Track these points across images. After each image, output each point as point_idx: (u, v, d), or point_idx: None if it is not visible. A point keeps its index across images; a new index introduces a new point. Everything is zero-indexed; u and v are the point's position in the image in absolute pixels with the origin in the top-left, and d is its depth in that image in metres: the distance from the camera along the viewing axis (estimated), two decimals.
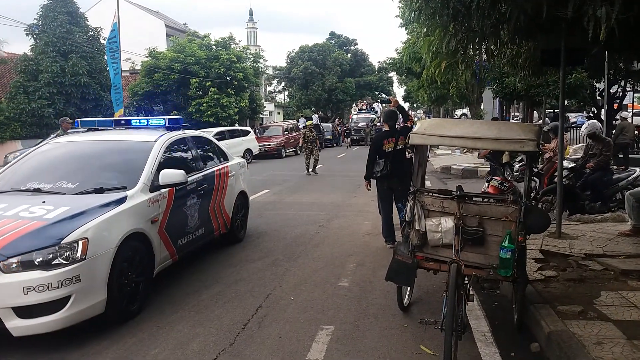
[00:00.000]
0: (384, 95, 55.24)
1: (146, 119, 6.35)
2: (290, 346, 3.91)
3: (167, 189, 5.23)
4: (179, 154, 6.08)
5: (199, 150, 6.53)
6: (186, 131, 6.52)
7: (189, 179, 5.64)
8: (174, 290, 5.28)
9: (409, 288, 4.63)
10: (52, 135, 12.41)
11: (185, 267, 6.00)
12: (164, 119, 6.35)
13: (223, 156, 7.26)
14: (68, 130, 11.93)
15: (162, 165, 5.34)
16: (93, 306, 4.04)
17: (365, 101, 48.57)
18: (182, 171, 5.26)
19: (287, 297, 5.02)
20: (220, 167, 6.85)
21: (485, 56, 6.02)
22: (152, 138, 5.69)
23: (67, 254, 3.90)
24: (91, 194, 4.77)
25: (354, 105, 51.28)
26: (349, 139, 34.34)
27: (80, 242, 3.97)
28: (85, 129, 6.41)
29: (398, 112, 6.84)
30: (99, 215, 4.29)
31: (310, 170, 17.11)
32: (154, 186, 5.09)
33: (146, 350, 3.88)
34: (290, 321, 4.40)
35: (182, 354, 3.81)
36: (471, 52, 5.39)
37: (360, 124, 36.60)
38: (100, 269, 4.08)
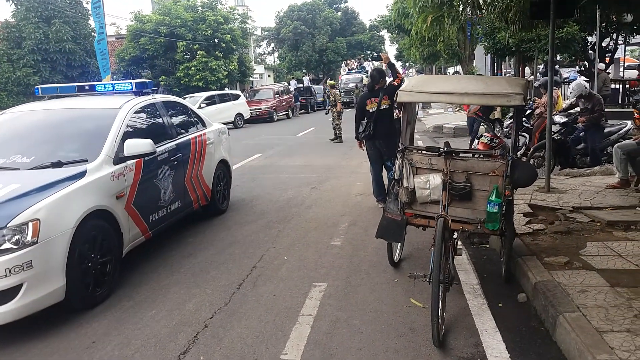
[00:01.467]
0: (381, 50, 54.00)
1: (112, 84, 5.85)
2: (284, 303, 4.01)
3: (133, 161, 4.77)
4: (147, 121, 5.59)
5: (171, 117, 6.02)
6: (156, 96, 6.00)
7: (160, 148, 5.26)
8: (170, 254, 5.35)
9: (399, 245, 4.71)
10: None
11: (180, 232, 6.06)
12: (131, 82, 5.75)
13: (200, 122, 6.75)
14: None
15: (128, 135, 4.87)
16: (50, 294, 3.68)
17: (355, 60, 47.19)
18: (150, 140, 4.80)
19: (281, 257, 5.11)
20: (196, 134, 6.34)
21: (472, 10, 5.93)
22: (116, 105, 5.19)
23: (16, 237, 3.51)
24: (48, 168, 4.29)
25: (343, 65, 49.91)
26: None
27: (30, 224, 3.56)
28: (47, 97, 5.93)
29: (385, 71, 6.73)
30: (54, 192, 3.87)
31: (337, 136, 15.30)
32: (119, 158, 4.63)
33: (143, 312, 3.97)
34: (284, 280, 4.49)
35: (179, 314, 3.90)
36: (460, 6, 5.31)
37: (350, 84, 34.21)
38: (56, 253, 3.69)
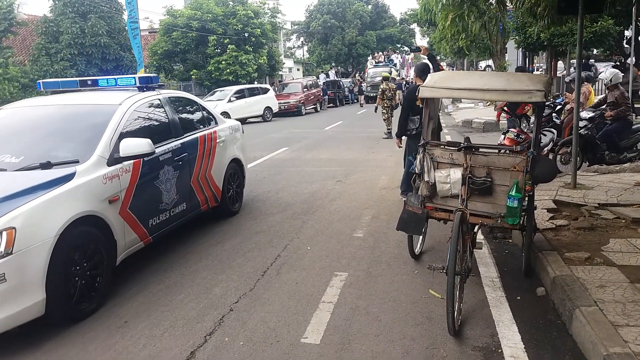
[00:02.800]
0: (412, 44, 53.10)
1: (115, 79, 5.46)
2: (306, 290, 4.15)
3: (131, 162, 4.45)
4: (150, 118, 5.21)
5: (178, 114, 5.66)
6: (162, 91, 5.64)
7: (163, 147, 5.00)
8: (198, 241, 5.56)
9: (420, 237, 4.80)
10: None
11: (208, 221, 6.27)
12: (134, 77, 5.42)
13: (210, 119, 6.38)
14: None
15: (126, 133, 4.58)
16: (26, 310, 3.36)
17: (382, 53, 46.16)
18: (148, 140, 4.45)
19: (304, 247, 5.25)
20: (205, 132, 6.00)
21: (497, 7, 5.92)
22: (116, 101, 4.86)
23: None
24: (36, 170, 3.98)
25: (369, 58, 48.44)
26: (362, 96, 31.78)
27: (4, 233, 3.25)
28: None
29: (430, 64, 6.59)
30: (35, 197, 3.54)
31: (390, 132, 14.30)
32: (114, 159, 4.31)
33: (172, 296, 4.18)
34: (307, 269, 4.64)
35: (206, 298, 4.09)
36: (482, 4, 5.31)
37: (377, 78, 30.83)
38: (34, 265, 3.37)
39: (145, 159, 4.64)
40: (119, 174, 4.33)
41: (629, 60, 12.72)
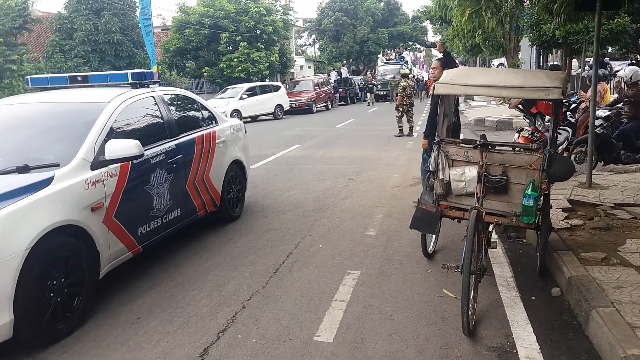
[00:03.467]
0: (426, 40, 52.36)
1: (106, 74, 5.18)
2: (318, 288, 4.14)
3: (117, 165, 4.09)
4: (142, 118, 4.86)
5: (173, 112, 5.33)
6: (157, 88, 5.31)
7: (155, 149, 4.65)
8: (211, 238, 5.57)
9: (433, 236, 4.77)
10: None
11: (220, 219, 6.28)
12: (126, 73, 5.07)
13: (209, 118, 6.04)
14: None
15: (114, 134, 4.23)
16: None
17: (394, 50, 44.98)
18: (136, 141, 4.10)
19: (316, 245, 5.24)
20: (203, 132, 5.65)
21: (514, 3, 5.86)
22: (105, 99, 4.50)
23: None
24: (12, 174, 3.63)
25: (380, 55, 46.41)
26: (371, 95, 30.95)
27: None
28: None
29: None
30: (4, 206, 3.20)
31: (408, 130, 14.23)
32: (99, 162, 3.96)
33: (186, 292, 4.19)
34: (319, 266, 4.63)
35: (219, 294, 4.10)
36: (498, 0, 5.26)
37: (388, 76, 31.84)
38: (0, 283, 3.05)
39: (135, 161, 4.28)
40: (103, 178, 3.95)
41: None
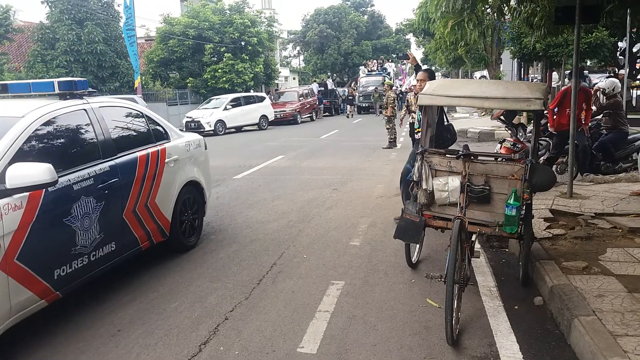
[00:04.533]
0: (401, 51, 52.43)
1: (29, 83, 4.41)
2: (302, 299, 4.11)
3: (25, 194, 3.37)
4: (67, 135, 4.12)
5: (111, 128, 4.56)
6: (91, 99, 4.52)
7: (80, 173, 3.91)
8: (192, 250, 5.50)
9: (417, 246, 4.77)
10: None
11: (203, 229, 6.22)
12: (53, 82, 4.28)
13: (158, 134, 5.29)
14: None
15: (26, 155, 3.54)
16: None
17: (375, 60, 42.54)
18: (48, 165, 3.40)
19: (301, 255, 5.21)
20: (149, 150, 4.92)
21: (495, 15, 5.96)
22: (19, 112, 3.81)
23: None
24: None
25: (361, 67, 44.92)
26: (351, 107, 30.55)
27: None
28: None
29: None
30: None
31: (395, 140, 14.28)
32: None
33: (167, 304, 4.12)
34: (303, 277, 4.60)
35: (201, 306, 4.04)
36: (480, 12, 5.35)
37: (370, 87, 31.18)
38: None
39: (50, 189, 3.55)
40: (1, 212, 3.22)
41: (622, 71, 12.84)
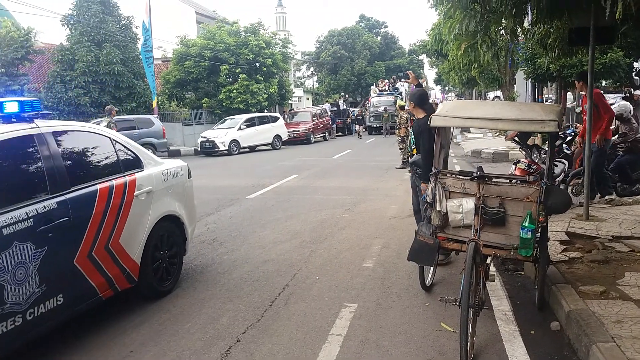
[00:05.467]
0: (401, 70, 51.74)
1: None
2: (314, 322, 4.07)
3: None
4: (5, 165, 3.49)
5: (66, 156, 3.97)
6: (43, 123, 3.87)
7: (15, 213, 3.29)
8: (206, 270, 5.51)
9: (431, 268, 4.72)
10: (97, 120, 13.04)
11: (216, 248, 6.24)
12: (18, 101, 3.70)
13: (128, 162, 4.62)
14: (114, 117, 12.58)
15: None
16: None
17: (387, 80, 41.35)
18: None
19: (313, 276, 5.18)
20: (113, 181, 4.24)
21: (509, 37, 5.97)
22: None
23: None
24: None
25: (373, 86, 44.04)
26: (360, 127, 30.20)
27: None
28: None
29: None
30: None
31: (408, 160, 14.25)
32: None
33: (179, 325, 4.11)
34: (316, 299, 4.56)
35: (213, 328, 4.03)
36: (494, 34, 5.37)
37: (380, 108, 30.76)
38: None
39: None
40: None
41: (637, 92, 12.75)
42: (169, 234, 4.96)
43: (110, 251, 4.10)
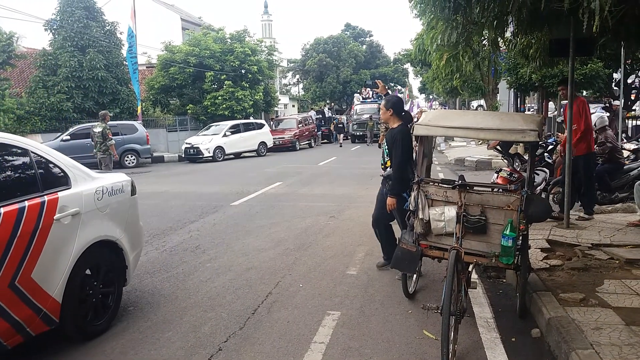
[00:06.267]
0: (368, 79, 50.10)
1: None
2: (297, 330, 4.06)
3: None
4: None
5: None
6: None
7: None
8: (188, 278, 5.46)
9: (414, 276, 4.75)
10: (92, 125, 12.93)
11: (199, 256, 6.19)
12: None
13: (52, 179, 3.89)
14: (108, 123, 12.51)
15: None
16: None
17: (370, 88, 43.45)
18: None
19: (297, 284, 5.17)
20: (25, 203, 3.47)
21: (491, 48, 6.07)
22: None
23: None
24: None
25: (356, 94, 43.30)
26: (341, 135, 29.93)
27: None
28: None
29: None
30: None
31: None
32: None
33: (160, 334, 4.07)
34: (299, 307, 4.55)
35: (194, 336, 3.99)
36: (476, 44, 5.45)
37: (364, 115, 30.54)
38: None
39: None
40: None
41: (616, 102, 13.00)
42: (103, 263, 4.20)
43: (17, 289, 3.31)
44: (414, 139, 4.78)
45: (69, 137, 18.96)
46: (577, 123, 6.66)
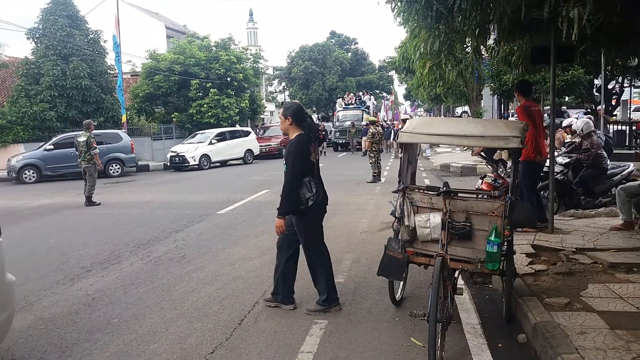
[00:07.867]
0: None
1: None
2: (284, 340, 4.03)
3: None
4: None
5: None
6: None
7: None
8: (174, 288, 5.41)
9: (401, 283, 4.75)
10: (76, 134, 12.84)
11: (185, 266, 6.13)
12: None
13: None
14: (92, 132, 12.40)
15: None
16: None
17: (353, 94, 40.12)
18: None
19: None
20: None
21: (474, 55, 6.14)
22: None
23: None
24: None
25: (338, 100, 41.41)
26: (324, 143, 28.44)
27: None
28: None
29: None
30: None
31: (379, 174, 14.56)
32: None
33: (146, 346, 4.01)
34: (286, 316, 4.52)
35: (180, 348, 3.94)
36: (458, 52, 5.52)
37: (347, 122, 29.77)
38: None
39: None
40: None
41: (599, 107, 13.22)
42: None
43: None
44: (398, 145, 4.80)
45: (52, 147, 18.76)
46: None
